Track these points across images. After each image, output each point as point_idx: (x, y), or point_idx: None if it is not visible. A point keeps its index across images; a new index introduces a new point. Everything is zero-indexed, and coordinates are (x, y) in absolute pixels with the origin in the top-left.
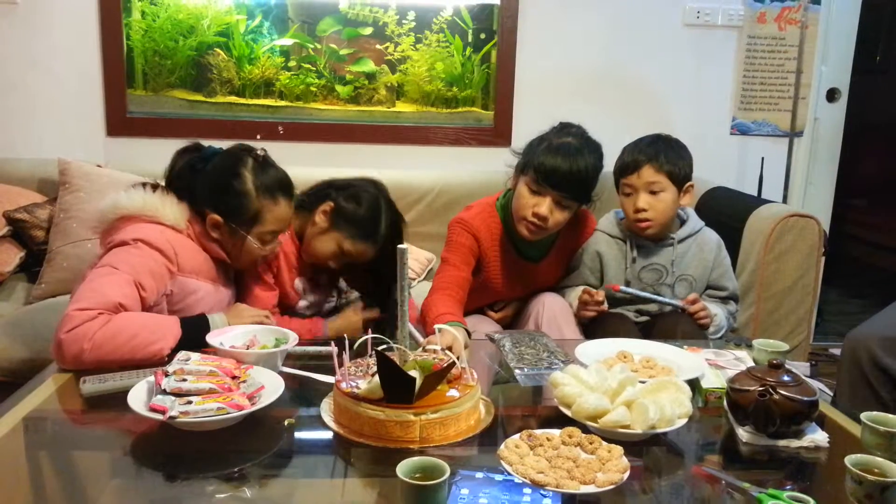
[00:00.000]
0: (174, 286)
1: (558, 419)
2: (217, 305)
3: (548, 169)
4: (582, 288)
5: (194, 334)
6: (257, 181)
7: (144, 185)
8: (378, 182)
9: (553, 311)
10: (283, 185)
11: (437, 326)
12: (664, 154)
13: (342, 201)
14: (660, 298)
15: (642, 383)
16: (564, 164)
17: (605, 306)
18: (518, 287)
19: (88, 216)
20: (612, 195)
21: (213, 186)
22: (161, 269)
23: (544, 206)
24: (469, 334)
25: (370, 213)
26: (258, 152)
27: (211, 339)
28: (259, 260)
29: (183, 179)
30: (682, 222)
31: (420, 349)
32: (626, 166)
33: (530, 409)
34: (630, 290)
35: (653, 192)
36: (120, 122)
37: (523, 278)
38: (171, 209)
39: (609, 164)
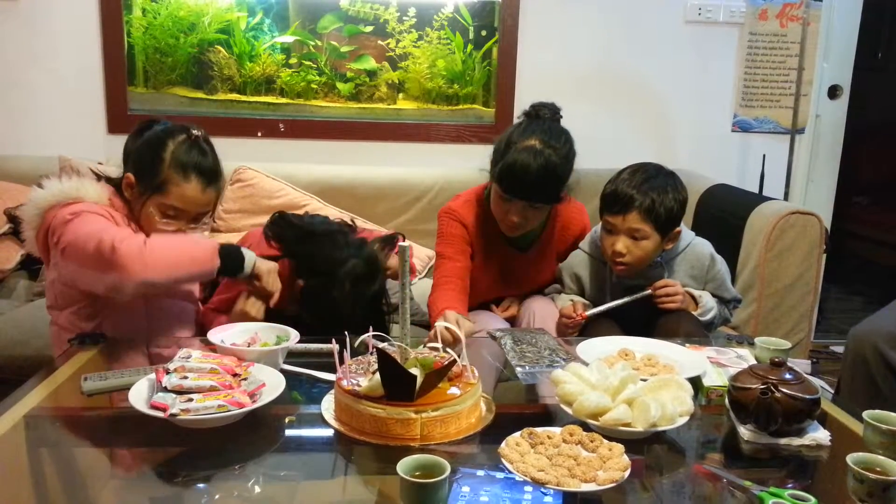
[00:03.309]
0: None
1: (559, 417)
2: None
3: (511, 180)
4: (569, 298)
5: (231, 260)
6: (176, 154)
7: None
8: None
9: (543, 317)
10: (201, 168)
11: (437, 323)
12: (654, 197)
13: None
14: (626, 299)
15: (644, 381)
16: (527, 173)
17: (586, 313)
18: (511, 279)
19: None
20: (595, 183)
21: (141, 149)
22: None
23: (515, 213)
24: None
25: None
26: (196, 132)
27: (212, 336)
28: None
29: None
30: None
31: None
32: (613, 204)
33: (531, 406)
34: (595, 310)
35: (634, 238)
36: (121, 120)
37: (514, 270)
38: (91, 187)
39: (607, 162)
